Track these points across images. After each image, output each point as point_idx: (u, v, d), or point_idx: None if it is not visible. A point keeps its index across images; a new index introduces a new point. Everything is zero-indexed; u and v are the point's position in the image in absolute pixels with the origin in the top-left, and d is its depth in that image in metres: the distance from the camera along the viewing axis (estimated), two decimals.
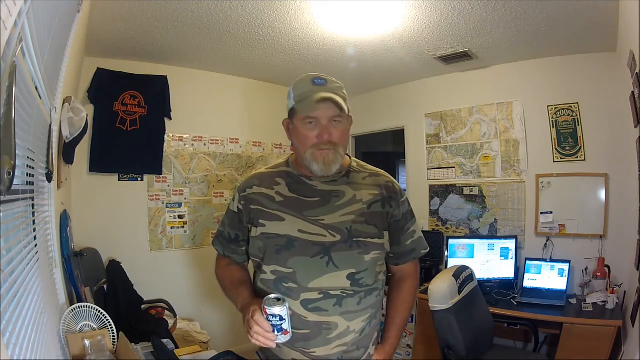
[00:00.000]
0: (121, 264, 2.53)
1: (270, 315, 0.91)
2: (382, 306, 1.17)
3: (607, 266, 2.41)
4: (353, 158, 1.20)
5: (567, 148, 2.72)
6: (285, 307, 0.91)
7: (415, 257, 1.19)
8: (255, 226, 1.10)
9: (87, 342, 1.30)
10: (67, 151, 1.70)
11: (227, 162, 3.31)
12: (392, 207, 1.11)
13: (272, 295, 0.94)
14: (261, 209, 1.10)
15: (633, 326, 1.82)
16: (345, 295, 1.02)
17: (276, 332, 0.92)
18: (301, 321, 1.01)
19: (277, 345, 0.95)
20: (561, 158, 2.74)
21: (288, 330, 0.93)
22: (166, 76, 2.94)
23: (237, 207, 1.15)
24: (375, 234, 1.07)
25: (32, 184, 1.16)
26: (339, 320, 1.02)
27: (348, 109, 1.06)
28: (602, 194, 2.56)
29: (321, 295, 1.01)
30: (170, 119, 2.99)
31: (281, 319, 0.91)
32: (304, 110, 1.01)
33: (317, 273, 1.02)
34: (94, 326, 1.38)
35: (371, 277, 1.06)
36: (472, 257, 2.82)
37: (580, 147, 2.67)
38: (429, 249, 1.21)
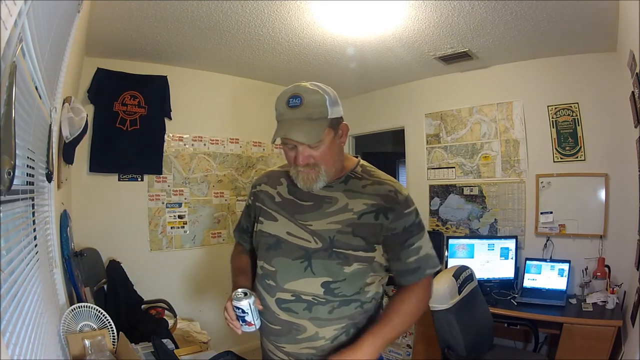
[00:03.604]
0: (121, 264, 2.53)
1: (235, 307, 1.01)
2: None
3: (607, 266, 2.41)
4: (362, 162, 1.14)
5: (567, 148, 2.72)
6: (248, 303, 1.00)
7: (420, 277, 1.05)
8: (256, 222, 1.16)
9: (87, 342, 1.30)
10: (67, 151, 1.70)
11: (227, 162, 3.31)
12: (388, 218, 1.02)
13: (240, 290, 1.03)
14: (262, 207, 1.15)
15: (633, 326, 1.82)
16: (315, 302, 1.02)
17: (241, 322, 1.03)
18: (274, 317, 1.05)
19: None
20: (561, 158, 2.74)
21: (252, 322, 1.02)
22: (166, 76, 2.94)
23: (248, 202, 1.24)
24: (361, 247, 1.01)
25: (32, 184, 1.16)
26: (307, 324, 1.02)
27: (332, 121, 0.99)
28: (602, 194, 2.56)
29: (293, 298, 1.03)
30: (170, 118, 2.99)
31: (243, 312, 1.00)
32: (278, 136, 1.00)
33: (294, 276, 1.03)
34: (94, 326, 1.39)
35: (351, 288, 1.02)
36: (472, 257, 2.82)
37: (580, 147, 2.67)
38: (439, 267, 1.09)
